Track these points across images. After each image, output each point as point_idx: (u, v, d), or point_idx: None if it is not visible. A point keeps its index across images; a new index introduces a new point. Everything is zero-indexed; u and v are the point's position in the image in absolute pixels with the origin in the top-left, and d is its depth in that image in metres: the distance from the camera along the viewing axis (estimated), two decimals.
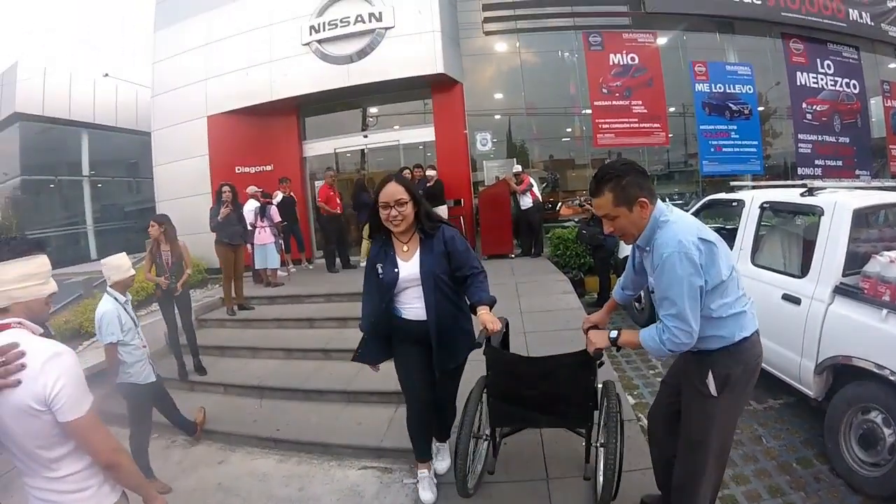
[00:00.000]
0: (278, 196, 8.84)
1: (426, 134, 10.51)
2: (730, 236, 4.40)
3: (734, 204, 4.84)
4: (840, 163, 10.85)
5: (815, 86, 10.82)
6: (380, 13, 9.52)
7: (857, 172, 10.77)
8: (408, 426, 3.11)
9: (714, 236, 2.17)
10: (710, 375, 2.21)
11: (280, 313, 7.07)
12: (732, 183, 7.12)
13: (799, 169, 10.49)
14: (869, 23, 11.20)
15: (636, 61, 10.20)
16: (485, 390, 2.95)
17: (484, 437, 3.06)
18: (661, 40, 10.59)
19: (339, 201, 9.03)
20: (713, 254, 2.11)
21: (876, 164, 11.28)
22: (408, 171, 8.95)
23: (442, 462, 3.40)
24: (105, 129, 14.87)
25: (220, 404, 5.05)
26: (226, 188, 6.97)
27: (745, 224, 4.52)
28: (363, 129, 10.97)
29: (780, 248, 4.36)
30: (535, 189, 9.25)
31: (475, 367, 3.07)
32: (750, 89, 10.50)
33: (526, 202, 9.06)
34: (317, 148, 11.06)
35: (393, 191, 2.68)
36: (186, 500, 3.63)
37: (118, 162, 15.99)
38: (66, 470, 1.67)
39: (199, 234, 7.01)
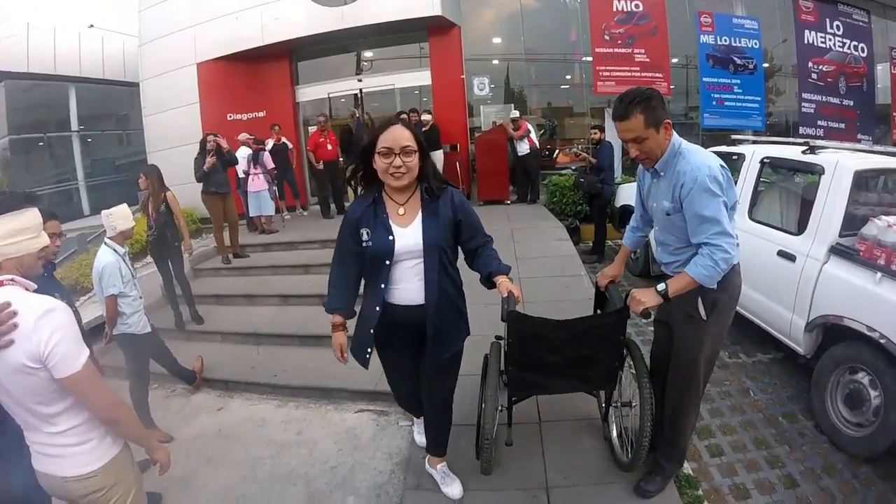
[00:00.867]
0: (269, 143, 8.68)
1: (422, 78, 10.26)
2: None
3: (734, 158, 4.78)
4: (843, 125, 10.67)
5: (823, 45, 10.52)
6: None
7: (860, 136, 10.59)
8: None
9: (724, 165, 2.29)
10: (700, 301, 2.35)
11: (275, 260, 7.09)
12: (734, 136, 7.05)
13: (801, 128, 10.34)
14: None
15: (640, 9, 9.84)
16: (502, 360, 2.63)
17: (501, 407, 2.71)
18: None
19: (329, 148, 8.88)
20: (730, 179, 2.28)
21: (879, 129, 11.13)
22: (404, 115, 8.77)
23: (452, 487, 2.77)
24: (93, 81, 14.36)
25: (218, 352, 5.11)
26: (211, 137, 6.85)
27: (744, 178, 4.48)
28: (358, 74, 10.68)
29: (778, 204, 4.36)
30: (533, 135, 9.13)
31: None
32: (756, 44, 10.21)
33: (523, 148, 8.95)
34: (310, 93, 10.80)
35: (399, 135, 2.15)
36: (188, 448, 3.70)
37: (107, 115, 15.54)
38: (66, 424, 1.68)
39: (191, 183, 6.91)
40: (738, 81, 10.14)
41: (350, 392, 4.15)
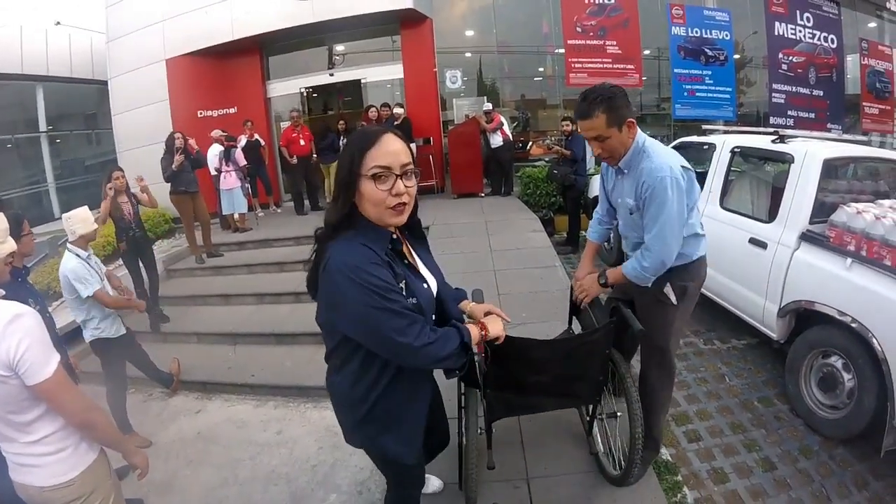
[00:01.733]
0: (242, 140, 8.54)
1: (395, 71, 10.19)
2: (699, 179, 4.42)
3: (705, 147, 4.86)
4: (812, 115, 10.91)
5: (793, 37, 10.71)
6: None
7: (829, 126, 10.84)
8: None
9: (687, 164, 2.33)
10: (669, 286, 2.44)
11: (250, 258, 7.01)
12: (705, 127, 7.16)
13: (771, 118, 10.54)
14: None
15: (612, 1, 9.94)
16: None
17: (480, 430, 2.44)
18: None
19: (302, 143, 8.82)
20: (692, 180, 2.29)
21: (848, 119, 11.39)
22: (374, 109, 8.75)
23: (431, 481, 2.71)
24: (60, 80, 13.92)
25: (195, 354, 5.04)
26: (177, 135, 6.71)
27: (715, 168, 4.56)
28: (329, 68, 10.56)
29: (748, 192, 4.42)
30: (506, 128, 9.13)
31: None
32: (727, 35, 10.38)
33: (496, 141, 8.94)
34: (281, 88, 10.65)
35: (397, 149, 1.48)
36: (167, 452, 3.65)
37: (76, 115, 15.03)
38: (41, 432, 1.65)
39: (160, 183, 6.76)
40: (710, 72, 10.31)
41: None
